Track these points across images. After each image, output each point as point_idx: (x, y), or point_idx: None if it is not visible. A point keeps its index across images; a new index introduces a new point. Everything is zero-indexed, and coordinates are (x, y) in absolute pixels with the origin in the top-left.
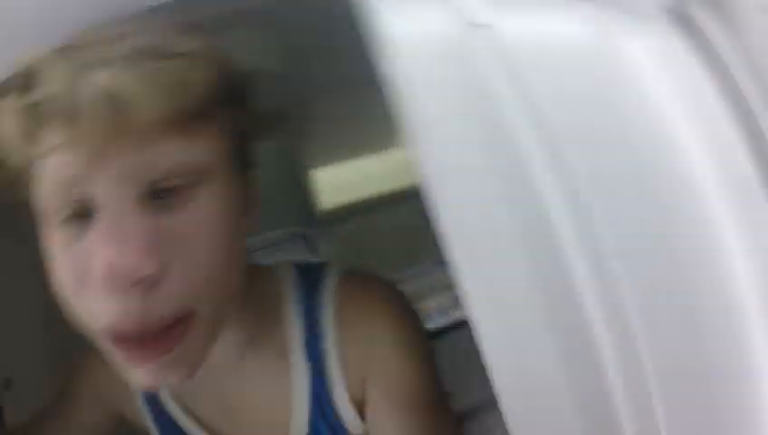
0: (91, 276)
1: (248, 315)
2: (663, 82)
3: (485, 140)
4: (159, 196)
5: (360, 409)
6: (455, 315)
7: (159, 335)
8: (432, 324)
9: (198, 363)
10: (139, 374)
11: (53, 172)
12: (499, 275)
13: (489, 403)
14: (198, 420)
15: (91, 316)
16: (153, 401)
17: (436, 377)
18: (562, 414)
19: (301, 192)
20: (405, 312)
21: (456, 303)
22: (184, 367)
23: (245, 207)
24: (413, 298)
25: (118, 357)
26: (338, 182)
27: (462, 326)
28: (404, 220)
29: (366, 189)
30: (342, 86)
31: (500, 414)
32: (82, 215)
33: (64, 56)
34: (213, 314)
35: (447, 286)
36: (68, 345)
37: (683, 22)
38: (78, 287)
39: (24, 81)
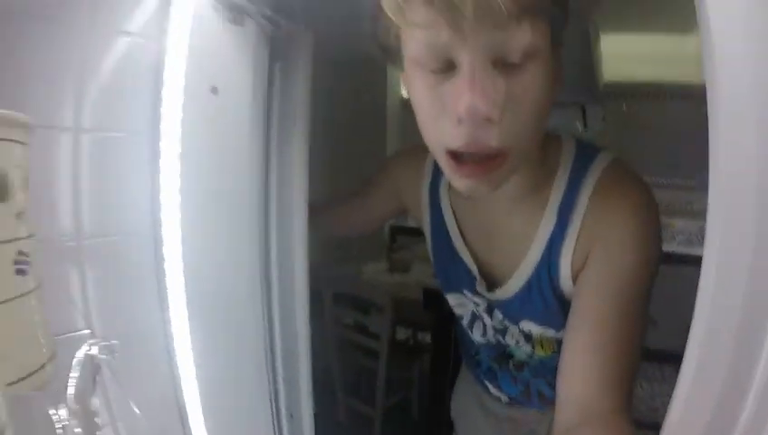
0: (448, 111)
1: (531, 169)
2: None
3: None
4: (503, 65)
5: (575, 274)
6: (693, 249)
7: (484, 160)
8: (670, 246)
9: (498, 186)
10: (461, 182)
11: (425, 38)
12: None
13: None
14: (461, 232)
15: (443, 138)
16: (436, 207)
17: (649, 292)
18: None
19: (587, 62)
20: (649, 217)
21: (701, 237)
22: (490, 185)
23: (555, 79)
24: (664, 209)
25: (450, 168)
26: (624, 58)
27: (692, 264)
28: (684, 118)
29: (651, 72)
30: None
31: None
32: (445, 69)
33: None
34: (518, 156)
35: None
36: None
37: None
38: (436, 117)
39: None
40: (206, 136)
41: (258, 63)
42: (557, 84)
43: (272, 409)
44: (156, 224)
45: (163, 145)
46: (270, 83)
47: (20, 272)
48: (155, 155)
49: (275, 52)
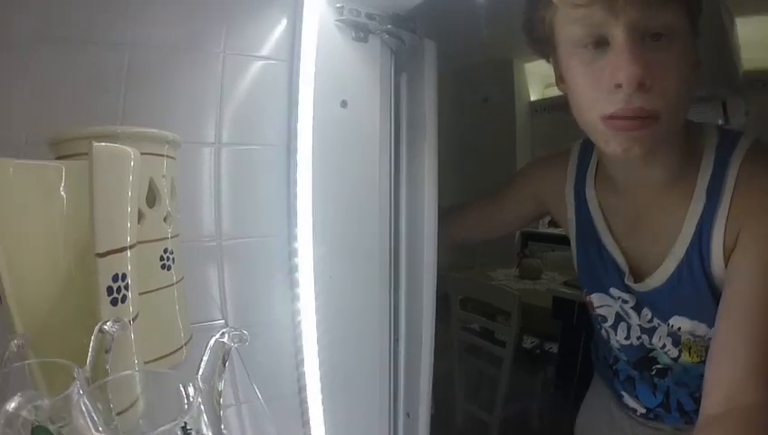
0: (604, 82)
1: (676, 153)
2: None
3: None
4: (650, 40)
5: (727, 256)
6: None
7: (638, 119)
8: None
9: (650, 150)
10: (615, 143)
11: (580, 17)
12: None
13: None
14: (609, 227)
15: (600, 106)
16: (581, 204)
17: None
18: None
19: (724, 52)
20: None
21: None
22: (644, 145)
23: (693, 64)
24: None
25: (607, 129)
26: (764, 44)
27: None
28: None
29: None
30: None
31: None
32: (598, 45)
33: None
34: (667, 123)
35: None
36: None
37: None
38: (593, 89)
39: None
40: (338, 147)
41: (384, 77)
42: (694, 71)
43: (389, 406)
44: (290, 227)
45: (298, 156)
46: (397, 95)
47: (165, 267)
48: (290, 166)
49: (400, 64)
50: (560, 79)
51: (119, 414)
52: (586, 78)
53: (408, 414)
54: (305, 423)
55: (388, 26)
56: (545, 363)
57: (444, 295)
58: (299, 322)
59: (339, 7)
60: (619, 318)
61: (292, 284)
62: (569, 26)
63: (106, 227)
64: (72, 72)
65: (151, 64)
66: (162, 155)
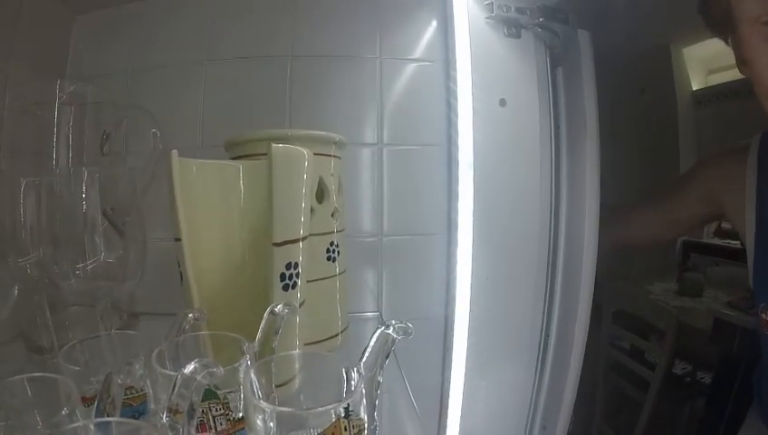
0: None
1: None
2: None
3: None
4: None
5: None
6: None
7: None
8: None
9: None
10: None
11: None
12: None
13: None
14: None
15: None
16: (763, 206)
17: None
18: None
19: None
20: None
21: None
22: None
23: None
24: None
25: None
26: None
27: None
28: None
29: None
30: None
31: None
32: None
33: None
34: None
35: None
36: None
37: None
38: None
39: None
40: (498, 146)
41: (541, 72)
42: None
43: (528, 415)
44: (450, 226)
45: (460, 156)
46: (554, 90)
47: (330, 259)
48: (451, 165)
49: (555, 58)
50: (741, 62)
51: (277, 387)
52: (765, 55)
53: (544, 427)
54: (442, 417)
55: (540, 19)
56: (695, 394)
57: (596, 306)
58: (452, 321)
59: (488, 4)
60: None
61: (449, 282)
62: (745, 2)
63: (283, 220)
64: (241, 83)
65: (313, 73)
66: (330, 155)
